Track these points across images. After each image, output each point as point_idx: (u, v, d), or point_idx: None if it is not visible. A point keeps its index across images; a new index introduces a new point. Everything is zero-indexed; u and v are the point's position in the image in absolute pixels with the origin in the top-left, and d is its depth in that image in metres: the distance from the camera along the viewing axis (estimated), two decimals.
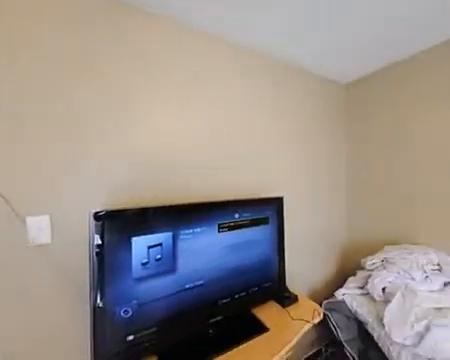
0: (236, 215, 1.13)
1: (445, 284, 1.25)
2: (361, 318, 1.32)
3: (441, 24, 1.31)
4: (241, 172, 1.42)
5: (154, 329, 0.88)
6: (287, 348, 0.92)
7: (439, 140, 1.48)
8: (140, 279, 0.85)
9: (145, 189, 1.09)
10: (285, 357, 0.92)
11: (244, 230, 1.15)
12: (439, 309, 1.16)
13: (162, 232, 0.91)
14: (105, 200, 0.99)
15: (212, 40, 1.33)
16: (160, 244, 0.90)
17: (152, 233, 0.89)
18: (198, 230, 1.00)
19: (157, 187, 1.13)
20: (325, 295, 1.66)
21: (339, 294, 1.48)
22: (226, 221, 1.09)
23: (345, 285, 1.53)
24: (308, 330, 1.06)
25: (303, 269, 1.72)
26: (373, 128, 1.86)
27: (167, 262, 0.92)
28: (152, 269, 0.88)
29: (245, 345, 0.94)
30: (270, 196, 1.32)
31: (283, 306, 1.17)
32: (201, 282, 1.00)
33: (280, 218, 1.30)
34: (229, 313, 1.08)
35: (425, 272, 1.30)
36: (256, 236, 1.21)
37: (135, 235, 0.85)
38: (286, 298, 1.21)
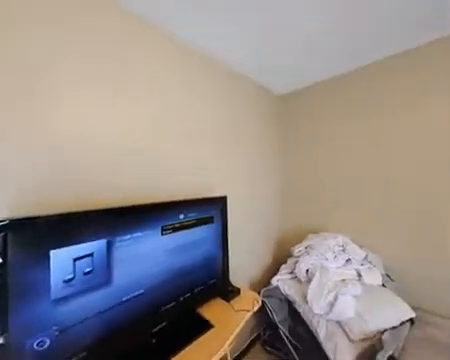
0: (181, 216, 1.10)
1: (347, 260, 1.61)
2: (291, 299, 1.54)
3: (362, 51, 1.62)
4: (180, 172, 1.40)
5: (83, 354, 0.75)
6: (230, 340, 0.96)
7: (354, 151, 1.87)
8: (62, 299, 0.71)
9: (69, 192, 0.92)
10: (229, 348, 0.96)
11: (190, 231, 1.14)
12: (343, 281, 1.48)
13: (93, 240, 0.79)
14: (10, 207, 0.77)
15: (157, 33, 1.25)
16: (90, 255, 0.78)
17: (79, 243, 0.75)
18: (138, 235, 0.92)
19: (87, 189, 0.97)
20: (263, 283, 1.85)
21: (274, 281, 1.67)
22: (170, 223, 1.05)
23: (279, 272, 1.74)
24: (249, 318, 1.14)
25: (244, 262, 1.86)
26: (302, 136, 2.21)
27: (100, 274, 0.80)
28: (79, 285, 0.75)
29: (190, 346, 0.93)
30: (215, 196, 1.36)
31: (227, 300, 1.22)
32: (141, 291, 0.93)
33: (224, 216, 1.35)
34: (173, 318, 1.05)
35: (334, 252, 1.63)
36: (201, 235, 1.21)
37: (55, 247, 0.70)
38: (230, 292, 1.27)
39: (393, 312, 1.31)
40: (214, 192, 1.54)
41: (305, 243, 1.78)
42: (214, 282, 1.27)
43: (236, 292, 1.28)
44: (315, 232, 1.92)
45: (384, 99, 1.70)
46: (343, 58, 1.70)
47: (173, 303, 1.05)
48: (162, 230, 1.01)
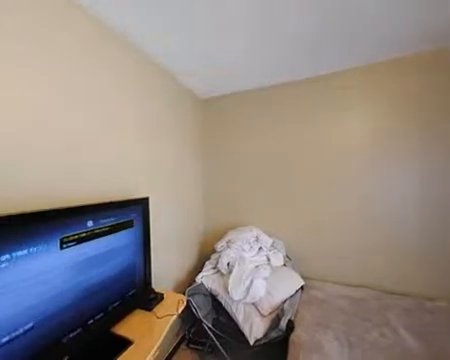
0: (89, 223, 0.93)
1: (259, 249, 1.88)
2: (214, 292, 1.63)
3: (276, 71, 1.91)
4: (94, 171, 1.19)
5: None
6: (154, 350, 0.91)
7: (265, 155, 2.20)
8: None
9: None
10: (153, 358, 0.90)
11: (102, 239, 0.98)
12: (257, 267, 1.72)
13: None
14: None
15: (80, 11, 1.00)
16: None
17: None
18: (23, 253, 0.70)
19: None
20: (190, 283, 1.85)
21: (198, 278, 1.72)
22: (75, 233, 0.86)
23: (203, 269, 1.81)
24: (174, 322, 1.12)
25: (169, 265, 1.80)
26: (223, 140, 2.39)
27: None
28: None
29: None
30: (136, 197, 1.24)
31: (150, 309, 1.14)
32: (30, 325, 0.71)
33: (146, 219, 1.26)
34: (79, 347, 0.87)
35: (250, 243, 1.87)
36: (118, 243, 1.07)
37: None
38: (152, 300, 1.19)
39: (290, 284, 1.65)
40: (136, 193, 1.40)
41: (226, 238, 1.93)
42: (134, 293, 1.16)
43: (159, 298, 1.22)
44: (234, 227, 2.13)
45: (290, 112, 2.12)
46: (263, 74, 1.97)
47: (79, 330, 0.87)
48: (62, 243, 0.81)
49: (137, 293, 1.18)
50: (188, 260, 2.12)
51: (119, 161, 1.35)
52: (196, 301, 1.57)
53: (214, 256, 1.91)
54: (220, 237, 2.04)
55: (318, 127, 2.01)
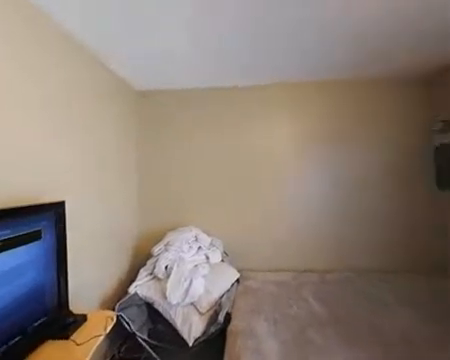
0: None
1: (198, 248, 1.89)
2: (150, 300, 1.52)
3: (213, 74, 1.96)
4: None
5: None
6: None
7: (204, 154, 2.22)
8: None
9: None
10: None
11: None
12: (196, 266, 1.72)
13: None
14: None
15: None
16: None
17: None
18: None
19: None
20: (121, 295, 1.64)
21: (132, 288, 1.55)
22: None
23: (137, 278, 1.65)
24: (100, 344, 0.96)
25: (95, 279, 1.54)
26: (161, 137, 2.26)
27: None
28: None
29: None
30: (44, 202, 0.99)
31: (66, 337, 0.94)
32: None
33: (60, 228, 1.03)
34: None
35: (189, 244, 1.85)
36: (17, 261, 0.83)
37: None
38: (69, 325, 0.98)
39: (227, 278, 1.75)
40: (49, 196, 1.11)
41: (164, 240, 1.84)
42: (44, 320, 0.92)
43: (80, 321, 1.02)
44: (175, 228, 2.06)
45: (227, 115, 2.24)
46: (203, 75, 2.00)
47: None
48: None
49: (48, 321, 0.95)
50: (119, 270, 1.88)
51: (22, 158, 1.04)
52: (128, 314, 1.41)
53: (150, 261, 1.78)
54: (158, 240, 1.92)
55: (251, 132, 2.22)
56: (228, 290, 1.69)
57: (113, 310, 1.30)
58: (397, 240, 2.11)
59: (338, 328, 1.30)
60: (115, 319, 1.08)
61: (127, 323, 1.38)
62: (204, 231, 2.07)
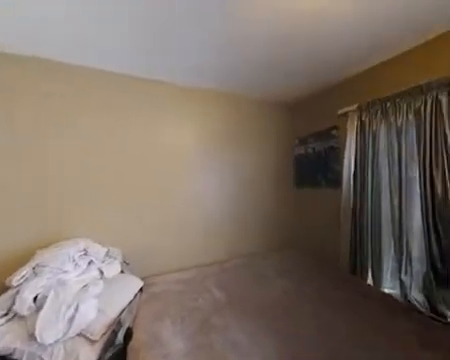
0: None
1: (89, 263, 1.55)
2: (4, 352, 1.07)
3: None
4: None
5: None
6: None
7: (94, 147, 1.83)
8: None
9: None
10: None
11: None
12: (85, 287, 1.40)
13: None
14: None
15: None
16: None
17: None
18: None
19: None
20: None
21: None
22: None
23: None
24: None
25: None
26: (26, 121, 1.65)
27: None
28: None
29: None
30: None
31: None
32: None
33: None
34: None
35: (74, 260, 1.48)
36: None
37: None
38: None
39: (127, 291, 1.55)
40: None
41: (31, 263, 1.36)
42: None
43: None
44: (49, 245, 1.57)
45: (118, 106, 1.97)
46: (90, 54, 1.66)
47: None
48: None
49: None
50: None
51: None
52: None
53: (6, 296, 1.26)
54: (21, 264, 1.39)
55: (147, 127, 2.10)
56: (130, 302, 1.50)
57: None
58: (272, 226, 2.75)
59: (233, 307, 1.49)
60: None
61: None
62: (98, 241, 1.73)
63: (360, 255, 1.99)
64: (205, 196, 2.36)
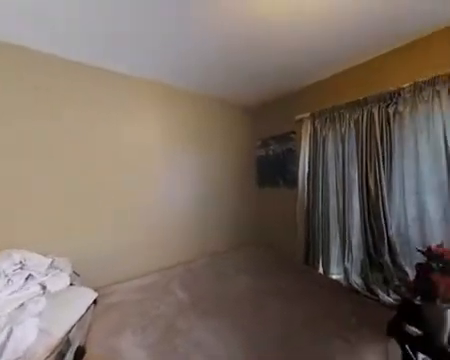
0: None
1: (26, 278, 1.32)
2: None
3: None
4: None
5: None
6: None
7: (33, 143, 1.54)
8: None
9: None
10: None
11: None
12: (22, 305, 1.19)
13: None
14: None
15: None
16: None
17: None
18: None
19: None
20: None
21: None
22: None
23: None
24: None
25: None
26: None
27: None
28: None
29: None
30: None
31: None
32: None
33: None
34: None
35: (7, 276, 1.24)
36: None
37: None
38: None
39: (77, 305, 1.38)
40: None
41: None
42: None
43: None
44: None
45: (80, 98, 1.73)
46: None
47: None
48: None
49: None
50: None
51: None
52: None
53: None
54: None
55: (99, 123, 1.91)
56: (81, 317, 1.34)
57: None
58: (236, 224, 2.83)
59: (197, 308, 1.48)
60: None
61: None
62: (40, 252, 1.49)
63: (313, 248, 2.22)
64: (169, 196, 2.28)
